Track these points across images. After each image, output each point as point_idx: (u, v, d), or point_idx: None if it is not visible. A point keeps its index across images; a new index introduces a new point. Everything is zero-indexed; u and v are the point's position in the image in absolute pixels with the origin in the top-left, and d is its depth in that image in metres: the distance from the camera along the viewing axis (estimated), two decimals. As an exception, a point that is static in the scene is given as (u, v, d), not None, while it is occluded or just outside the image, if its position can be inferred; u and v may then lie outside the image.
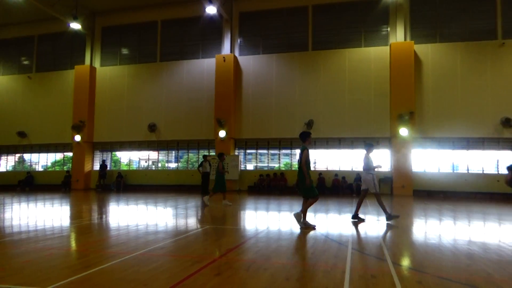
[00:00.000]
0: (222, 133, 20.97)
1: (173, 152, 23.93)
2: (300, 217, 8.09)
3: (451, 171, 19.10)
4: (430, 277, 4.52)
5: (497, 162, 18.52)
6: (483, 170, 18.54)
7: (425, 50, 19.38)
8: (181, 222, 9.11)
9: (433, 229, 8.55)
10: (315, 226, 8.06)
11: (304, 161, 7.74)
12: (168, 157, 23.83)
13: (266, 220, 9.54)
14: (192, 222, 9.22)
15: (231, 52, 21.69)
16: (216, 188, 12.48)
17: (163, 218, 9.66)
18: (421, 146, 19.27)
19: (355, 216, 9.41)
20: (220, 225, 8.66)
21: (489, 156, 18.71)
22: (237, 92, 21.68)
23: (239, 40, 22.14)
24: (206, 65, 22.24)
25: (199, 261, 5.03)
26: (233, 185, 20.84)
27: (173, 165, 24.07)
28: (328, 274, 4.58)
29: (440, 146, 19.09)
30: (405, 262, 5.44)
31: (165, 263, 5.04)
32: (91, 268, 4.61)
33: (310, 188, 7.91)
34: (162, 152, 23.76)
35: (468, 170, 18.73)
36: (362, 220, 9.33)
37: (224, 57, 21.35)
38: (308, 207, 8.11)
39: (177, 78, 22.77)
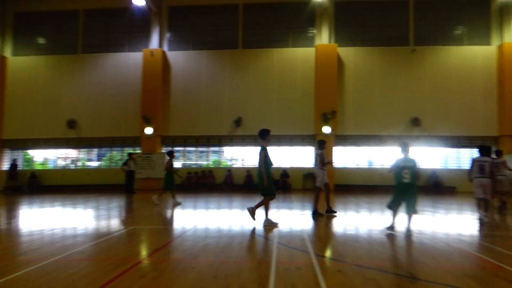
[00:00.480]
0: (148, 130, 20.26)
1: (95, 150, 22.56)
2: (254, 212, 8.07)
3: (368, 166, 20.58)
4: (348, 266, 4.83)
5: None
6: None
7: (347, 53, 20.60)
8: (103, 223, 8.64)
9: (351, 221, 9.14)
10: (277, 223, 7.99)
11: (262, 161, 7.74)
12: (89, 155, 22.41)
13: (193, 218, 9.44)
14: (115, 223, 8.79)
15: (159, 46, 21.01)
16: (167, 186, 12.32)
17: (82, 221, 9.07)
18: (342, 143, 20.47)
19: (315, 212, 9.50)
20: (145, 225, 8.37)
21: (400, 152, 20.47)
22: (165, 88, 21.09)
23: (168, 35, 21.53)
24: (133, 59, 21.28)
25: (122, 264, 4.81)
26: (159, 184, 20.23)
27: (95, 163, 22.69)
28: (255, 269, 4.68)
29: (359, 143, 20.43)
30: (327, 253, 5.75)
31: (84, 268, 4.74)
32: (0, 278, 4.18)
33: (268, 187, 7.82)
34: (82, 150, 22.27)
35: (382, 165, 20.32)
36: (322, 215, 9.44)
37: (152, 52, 20.61)
38: (267, 205, 8.00)
39: (101, 71, 21.48)
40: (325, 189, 9.77)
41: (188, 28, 21.59)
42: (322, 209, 9.78)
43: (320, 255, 5.45)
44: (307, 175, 19.86)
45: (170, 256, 5.38)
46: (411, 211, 7.08)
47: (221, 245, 6.06)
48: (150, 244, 6.40)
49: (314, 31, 20.85)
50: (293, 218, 9.48)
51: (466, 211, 11.21)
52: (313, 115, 20.19)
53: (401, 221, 7.93)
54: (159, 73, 20.61)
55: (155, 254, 5.45)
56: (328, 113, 19.44)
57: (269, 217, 8.03)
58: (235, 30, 21.24)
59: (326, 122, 19.49)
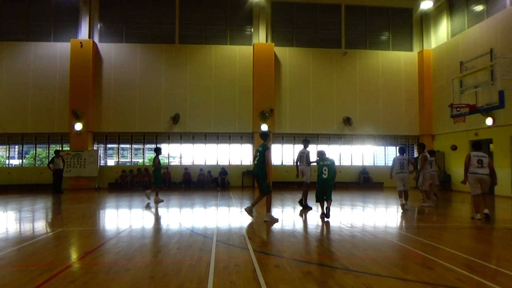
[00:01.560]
0: (78, 126, 19.03)
1: (16, 146, 20.68)
2: (251, 211, 8.49)
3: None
4: (286, 261, 4.98)
5: (340, 155, 21.39)
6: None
7: (283, 52, 21.10)
8: (27, 226, 7.97)
9: (288, 216, 9.42)
10: (278, 219, 8.35)
11: (268, 160, 8.25)
12: (9, 153, 20.47)
13: (128, 219, 9.08)
14: (40, 226, 8.15)
15: (89, 37, 19.80)
16: (158, 183, 12.79)
17: (1, 224, 8.29)
18: (279, 141, 20.95)
19: (301, 203, 10.67)
20: (75, 227, 7.86)
21: (333, 150, 21.47)
22: (97, 81, 19.95)
23: (99, 25, 20.36)
24: (59, 49, 19.81)
25: (49, 269, 4.49)
26: (91, 183, 19.19)
27: (15, 161, 20.80)
28: (194, 268, 4.63)
29: (295, 141, 21.05)
30: (265, 249, 5.86)
31: (5, 275, 4.35)
32: None
33: (268, 185, 8.26)
34: (1, 147, 20.30)
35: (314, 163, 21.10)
36: (310, 208, 10.41)
37: (81, 42, 19.35)
38: (270, 201, 8.35)
39: (22, 61, 19.70)
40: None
41: (121, 19, 20.61)
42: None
43: (258, 251, 5.54)
44: (246, 172, 20.04)
45: (103, 259, 5.13)
46: (328, 198, 8.70)
47: (158, 245, 5.90)
48: (81, 247, 6.03)
49: (252, 29, 21.06)
50: (232, 216, 9.53)
51: (393, 205, 12.08)
52: (251, 113, 20.41)
53: (336, 214, 8.33)
54: (89, 65, 19.43)
55: (87, 257, 5.15)
56: (266, 111, 19.77)
57: (271, 213, 8.42)
58: (172, 25, 20.72)
59: (264, 120, 19.82)
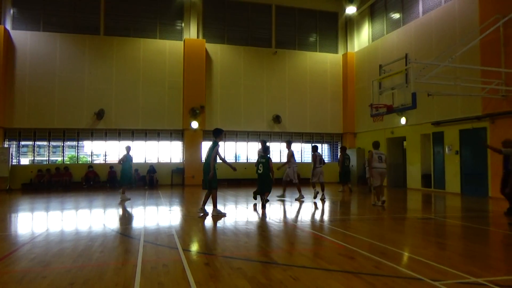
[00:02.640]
0: (-15, 121, 17.10)
1: None
2: (203, 209, 8.56)
3: (234, 161, 21.37)
4: (216, 258, 4.97)
5: (270, 152, 21.85)
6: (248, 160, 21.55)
7: (215, 49, 20.95)
8: None
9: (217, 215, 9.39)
10: (226, 214, 8.79)
11: (214, 156, 8.37)
12: None
13: (45, 222, 8.39)
14: None
15: (0, 23, 17.85)
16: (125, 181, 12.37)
17: None
18: (210, 139, 20.78)
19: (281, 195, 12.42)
20: (-18, 233, 7.07)
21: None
22: (9, 72, 18.04)
23: (11, 11, 18.45)
24: (-38, 34, 17.60)
25: None
26: (1, 184, 17.34)
27: None
28: (119, 271, 4.43)
29: (226, 138, 21.06)
30: (194, 248, 5.79)
31: None
32: None
33: (213, 180, 8.42)
34: None
35: (247, 159, 21.39)
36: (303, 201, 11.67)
37: (-11, 28, 17.38)
38: (215, 197, 8.62)
39: None
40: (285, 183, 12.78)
41: (38, 5, 18.86)
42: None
43: (187, 250, 5.46)
44: (174, 170, 19.62)
45: (14, 267, 4.67)
46: (265, 190, 10.13)
47: (79, 248, 5.53)
48: (-12, 255, 5.44)
49: (182, 24, 20.62)
50: (161, 215, 9.28)
51: (317, 199, 12.65)
52: (181, 110, 20.00)
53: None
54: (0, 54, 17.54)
55: (-5, 266, 4.66)
56: (197, 108, 19.52)
57: (218, 207, 8.78)
58: (97, 15, 19.48)
59: (194, 117, 19.54)
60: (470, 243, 6.10)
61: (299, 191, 12.18)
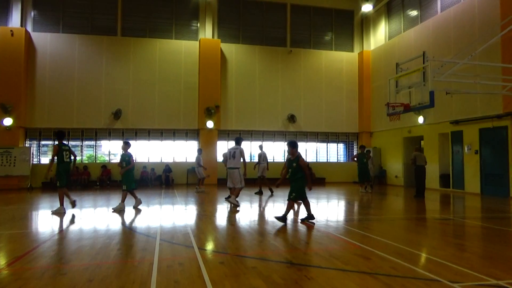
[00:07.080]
0: (7, 121, 17.55)
1: None
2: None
3: (249, 160, 21.36)
4: (230, 257, 4.99)
5: (284, 151, 21.84)
6: (273, 159, 21.52)
7: (230, 49, 21.02)
8: None
9: (232, 213, 9.44)
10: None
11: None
12: None
13: (65, 220, 8.57)
14: (-37, 230, 7.42)
15: (21, 25, 18.31)
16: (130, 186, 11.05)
17: None
18: (225, 138, 20.89)
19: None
20: (4, 231, 7.26)
21: (278, 147, 21.88)
22: (30, 73, 18.51)
23: (33, 13, 18.90)
24: (-15, 37, 18.11)
25: (-28, 277, 4.11)
26: (22, 182, 17.80)
27: None
28: (136, 269, 4.49)
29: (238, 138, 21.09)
30: (209, 246, 5.83)
31: None
32: None
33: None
34: None
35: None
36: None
37: (12, 31, 17.82)
38: (64, 194, 9.52)
39: None
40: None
41: (58, 8, 19.28)
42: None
43: (203, 249, 5.49)
44: (191, 169, 19.77)
45: (35, 264, 4.79)
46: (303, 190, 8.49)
47: (97, 246, 5.63)
48: (10, 251, 5.58)
49: (198, 24, 20.75)
50: (177, 214, 9.36)
51: (334, 199, 12.57)
52: (196, 109, 20.13)
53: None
54: (20, 56, 17.97)
55: (17, 263, 4.79)
56: (212, 107, 19.62)
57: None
58: (114, 16, 19.79)
59: (209, 117, 19.64)
60: (490, 244, 5.96)
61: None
